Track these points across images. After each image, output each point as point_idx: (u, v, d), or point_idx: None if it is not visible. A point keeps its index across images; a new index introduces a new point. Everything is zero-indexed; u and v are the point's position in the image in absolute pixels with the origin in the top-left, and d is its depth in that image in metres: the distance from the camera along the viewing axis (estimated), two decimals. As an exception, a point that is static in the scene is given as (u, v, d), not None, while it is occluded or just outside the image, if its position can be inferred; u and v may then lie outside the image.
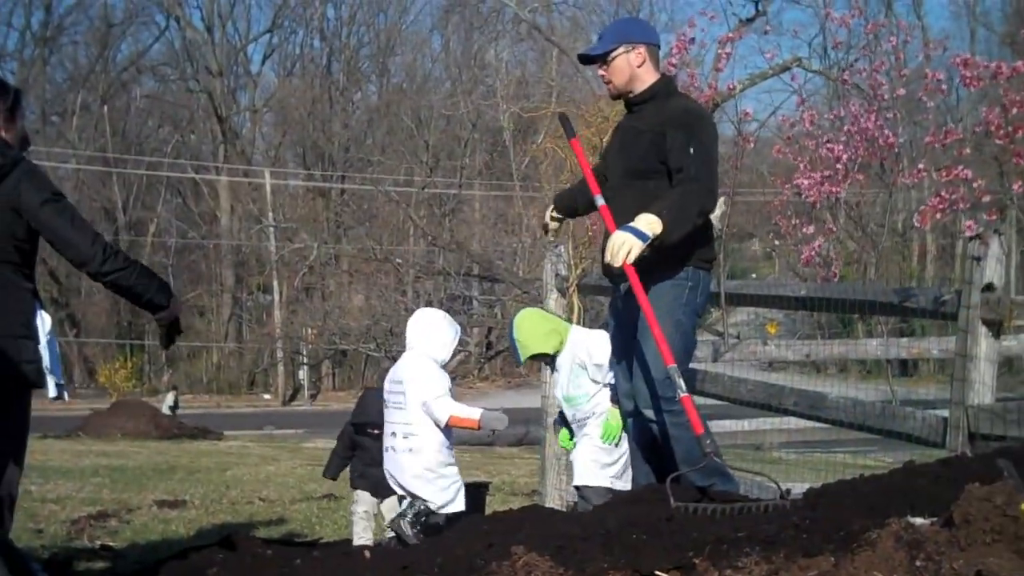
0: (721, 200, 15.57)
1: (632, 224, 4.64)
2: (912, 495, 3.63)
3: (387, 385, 6.49)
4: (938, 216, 5.76)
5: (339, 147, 54.12)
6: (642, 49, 5.13)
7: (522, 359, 6.43)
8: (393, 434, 6.25)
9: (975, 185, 5.75)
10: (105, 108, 54.63)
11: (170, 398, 32.85)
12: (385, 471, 6.36)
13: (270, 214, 50.70)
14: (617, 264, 4.60)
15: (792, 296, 6.56)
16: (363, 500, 7.15)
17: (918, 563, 2.99)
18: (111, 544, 7.47)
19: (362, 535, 7.12)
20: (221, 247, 54.50)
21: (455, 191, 46.57)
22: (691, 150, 4.84)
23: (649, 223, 4.62)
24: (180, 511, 9.54)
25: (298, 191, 56.02)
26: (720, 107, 16.20)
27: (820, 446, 13.83)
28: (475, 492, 7.16)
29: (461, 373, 42.83)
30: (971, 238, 4.98)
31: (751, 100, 46.36)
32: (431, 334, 6.41)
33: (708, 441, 4.58)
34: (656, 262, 4.80)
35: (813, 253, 7.88)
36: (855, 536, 3.16)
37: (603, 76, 5.21)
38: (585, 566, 3.31)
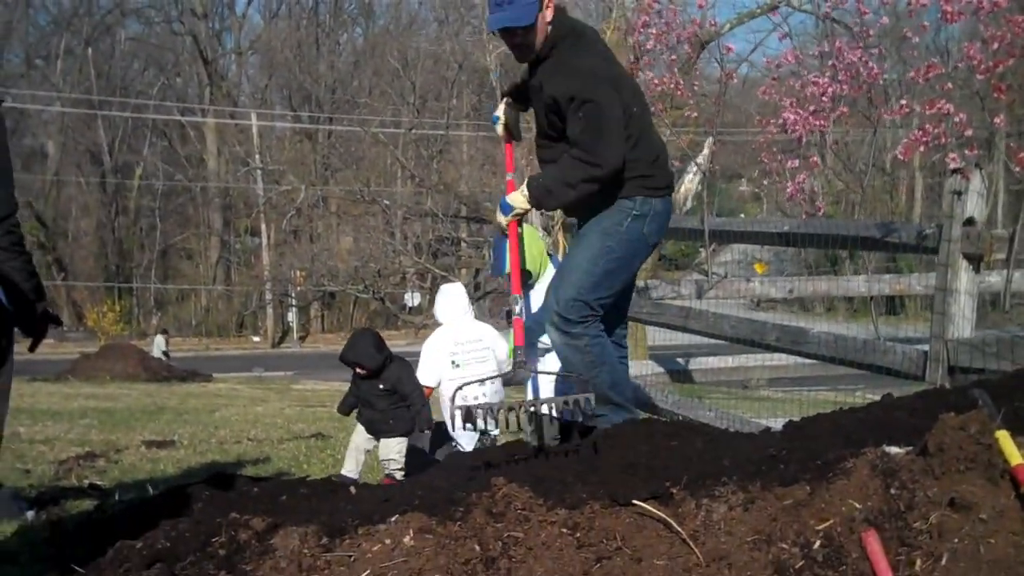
0: (708, 141, 15.63)
1: (506, 196, 5.07)
2: (889, 426, 3.66)
3: (455, 347, 7.31)
4: (921, 149, 5.75)
5: (326, 89, 53.82)
6: None
7: (505, 270, 6.47)
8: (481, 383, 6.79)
9: (957, 119, 5.74)
10: (89, 51, 54.20)
11: (161, 341, 32.90)
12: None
13: (257, 156, 50.50)
14: (503, 232, 5.16)
15: (775, 232, 6.57)
16: (360, 433, 7.27)
17: (892, 491, 3.03)
18: (99, 483, 7.49)
19: (347, 465, 7.25)
20: (208, 190, 54.35)
21: (442, 132, 46.38)
22: (579, 115, 4.75)
23: (513, 198, 5.02)
24: (168, 451, 9.57)
25: (285, 133, 55.78)
26: (705, 46, 16.16)
27: (806, 383, 13.93)
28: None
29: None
30: (953, 171, 4.99)
31: (739, 40, 46.17)
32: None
33: (520, 356, 4.86)
34: (599, 196, 4.90)
35: (798, 188, 7.86)
36: (831, 465, 3.19)
37: (519, 42, 4.91)
38: (564, 496, 3.35)
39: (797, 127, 7.38)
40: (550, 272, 6.47)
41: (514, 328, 4.96)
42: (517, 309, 4.98)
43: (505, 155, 5.48)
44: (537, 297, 6.39)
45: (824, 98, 7.17)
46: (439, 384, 7.32)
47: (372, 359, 7.06)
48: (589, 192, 4.81)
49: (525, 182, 4.97)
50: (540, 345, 6.40)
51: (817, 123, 7.30)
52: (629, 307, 5.59)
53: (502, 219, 5.05)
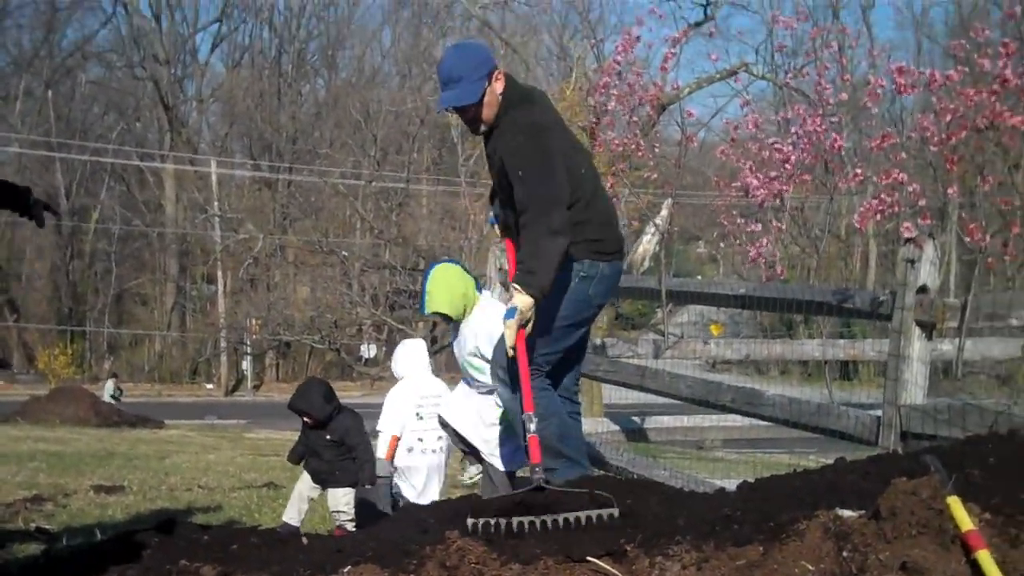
0: (665, 202, 15.74)
1: (509, 305, 4.78)
2: (841, 490, 3.69)
3: (420, 400, 7.29)
4: (877, 218, 5.84)
5: (286, 139, 53.85)
6: (499, 72, 4.97)
7: (426, 311, 6.43)
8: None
9: (911, 189, 5.84)
10: (49, 93, 53.99)
11: (110, 386, 32.55)
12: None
13: (216, 204, 50.31)
14: (511, 352, 4.78)
15: (731, 294, 6.64)
16: (305, 481, 7.26)
17: (845, 554, 3.05)
18: (46, 527, 7.40)
19: (289, 513, 7.24)
20: (165, 236, 54.08)
21: (402, 186, 46.44)
22: (520, 174, 4.77)
23: (514, 301, 4.74)
24: (117, 496, 9.47)
25: (244, 182, 55.67)
26: (666, 109, 16.34)
27: (761, 445, 13.98)
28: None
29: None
30: (906, 240, 5.07)
31: (697, 104, 46.78)
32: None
33: (537, 471, 4.38)
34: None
35: (759, 252, 7.93)
36: (784, 527, 3.21)
37: (471, 117, 4.96)
38: (518, 551, 3.34)
39: (759, 192, 7.46)
40: (481, 310, 6.34)
41: (530, 447, 4.54)
42: (531, 428, 4.57)
43: (506, 252, 5.30)
44: (472, 334, 6.32)
45: (787, 165, 7.26)
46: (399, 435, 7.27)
47: (320, 409, 7.06)
48: (561, 247, 4.73)
49: (512, 284, 4.83)
50: (474, 381, 6.32)
51: (779, 188, 7.39)
52: (582, 364, 5.59)
53: (510, 326, 4.76)
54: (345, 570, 3.42)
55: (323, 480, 7.23)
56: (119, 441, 17.83)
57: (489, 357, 5.82)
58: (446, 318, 6.36)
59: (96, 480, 10.69)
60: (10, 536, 6.88)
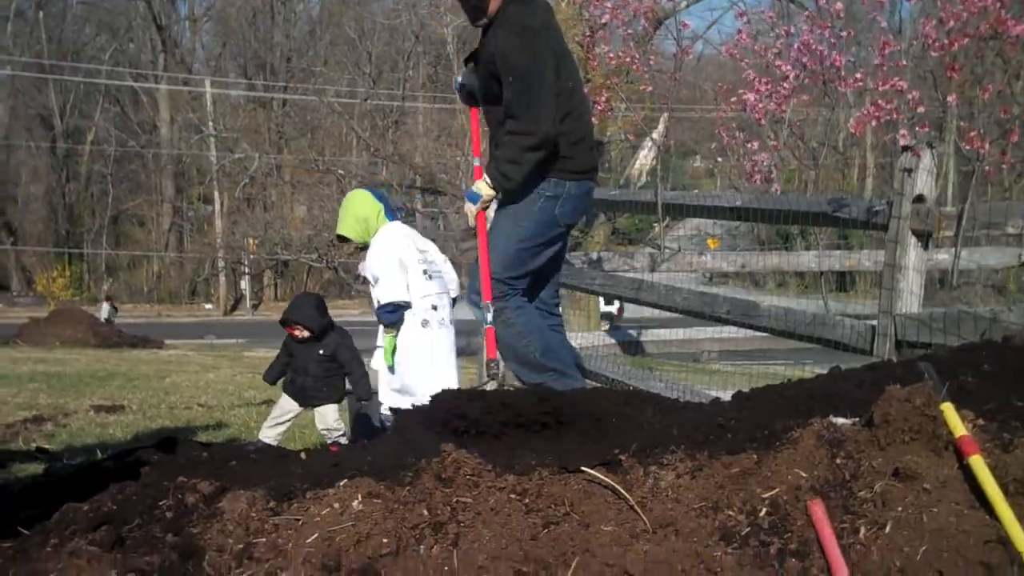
0: (662, 116, 15.63)
1: (470, 188, 5.06)
2: (836, 398, 3.69)
3: (420, 255, 6.59)
4: (873, 124, 5.77)
5: (281, 58, 53.38)
6: None
7: (337, 231, 6.53)
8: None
9: (910, 97, 5.76)
10: (41, 14, 53.36)
11: (105, 309, 32.58)
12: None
13: (211, 124, 50.02)
14: (471, 225, 5.08)
15: (727, 206, 6.60)
16: (287, 402, 7.22)
17: (838, 460, 3.06)
18: (47, 446, 7.44)
19: (267, 433, 7.21)
20: (161, 156, 53.83)
21: (398, 103, 46.13)
22: (509, 79, 4.77)
23: (478, 186, 5.00)
24: (117, 415, 9.51)
25: (239, 101, 55.30)
26: (662, 23, 16.16)
27: (756, 357, 14.02)
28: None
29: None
30: (903, 148, 5.02)
31: (695, 17, 46.14)
32: None
33: (493, 367, 4.80)
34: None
35: (755, 168, 7.86)
36: (777, 435, 3.22)
37: (473, 4, 4.96)
38: (513, 463, 3.35)
39: (756, 109, 7.36)
40: (376, 239, 6.38)
41: (486, 339, 4.94)
42: (488, 318, 4.94)
43: (471, 130, 5.41)
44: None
45: (786, 83, 7.16)
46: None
47: (315, 321, 7.02)
48: (537, 160, 4.83)
49: (484, 170, 4.99)
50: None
51: (776, 108, 7.30)
52: (561, 277, 5.63)
53: (470, 209, 5.05)
54: (341, 483, 3.43)
55: (309, 398, 7.16)
56: (118, 361, 17.89)
57: (371, 282, 6.10)
58: (348, 241, 6.44)
59: (96, 400, 10.74)
60: (11, 456, 6.93)
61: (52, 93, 52.86)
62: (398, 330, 6.31)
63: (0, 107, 53.78)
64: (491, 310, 4.91)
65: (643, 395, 4.41)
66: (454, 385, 6.15)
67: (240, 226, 47.17)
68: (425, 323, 6.31)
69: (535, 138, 4.73)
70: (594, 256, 8.47)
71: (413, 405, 5.97)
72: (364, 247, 6.44)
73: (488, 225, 5.07)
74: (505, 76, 4.76)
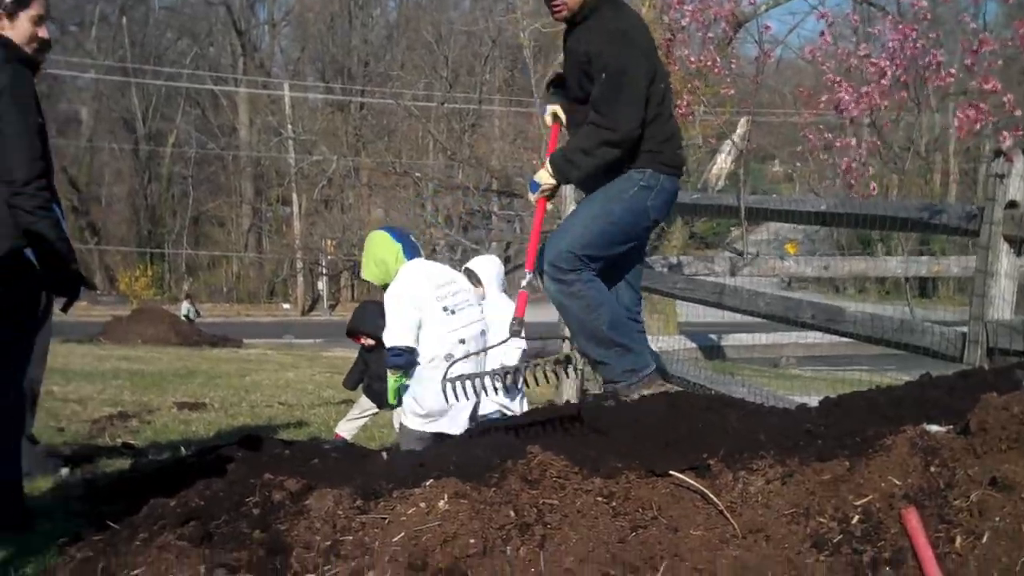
0: (742, 120, 15.48)
1: (535, 176, 5.07)
2: (927, 405, 3.63)
3: (437, 290, 6.46)
4: (977, 127, 5.65)
5: (358, 62, 53.74)
6: None
7: (363, 274, 6.55)
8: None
9: (1005, 99, 5.64)
10: (124, 19, 54.27)
11: (185, 307, 33.02)
12: None
13: (289, 127, 50.52)
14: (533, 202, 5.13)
15: (813, 211, 6.50)
16: (363, 403, 7.26)
17: (932, 469, 3.00)
18: (132, 442, 7.54)
19: (344, 427, 7.24)
20: (240, 159, 54.44)
21: (475, 107, 46.24)
22: (602, 77, 4.76)
23: (539, 175, 5.02)
24: (200, 413, 9.61)
25: (317, 104, 55.75)
26: (743, 26, 16.04)
27: (837, 363, 13.84)
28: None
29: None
30: (996, 155, 4.92)
31: (774, 20, 45.67)
32: None
33: (516, 325, 4.96)
34: (614, 164, 4.91)
35: (850, 165, 7.75)
36: (870, 442, 3.17)
37: (555, 3, 4.94)
38: (600, 466, 3.33)
39: (851, 107, 7.26)
40: (397, 278, 6.38)
41: (518, 299, 5.02)
42: (524, 283, 5.02)
43: (550, 136, 5.39)
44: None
45: (883, 80, 7.05)
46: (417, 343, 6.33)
47: (379, 330, 7.01)
48: (608, 158, 4.82)
49: (548, 158, 4.99)
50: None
51: (876, 101, 7.19)
52: (662, 285, 5.58)
53: (532, 197, 5.07)
54: (427, 483, 3.44)
55: (386, 402, 7.20)
56: (200, 360, 18.10)
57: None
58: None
59: (179, 397, 10.86)
60: (97, 451, 7.03)
61: (135, 97, 53.73)
62: (407, 373, 6.26)
63: (85, 110, 54.77)
64: (527, 276, 5.01)
65: (726, 400, 4.38)
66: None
67: (318, 227, 47.60)
68: (449, 356, 6.19)
69: (616, 134, 4.73)
70: (673, 260, 8.41)
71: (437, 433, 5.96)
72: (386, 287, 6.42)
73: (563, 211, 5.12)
74: (598, 74, 4.76)
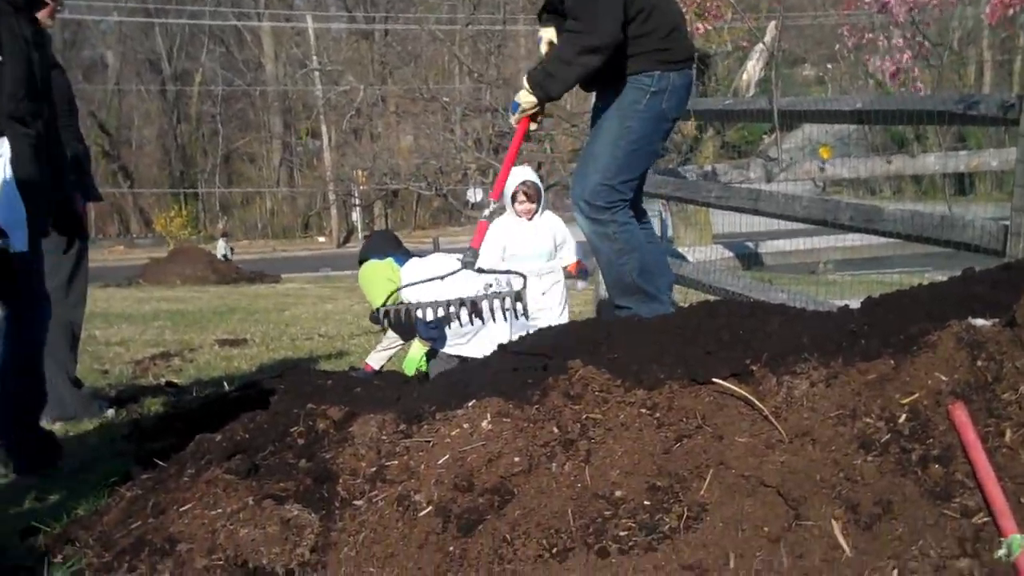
0: (772, 24, 15.23)
1: (515, 96, 4.87)
2: (971, 300, 3.56)
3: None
4: (1010, 12, 5.51)
5: (380, -13, 53.28)
6: None
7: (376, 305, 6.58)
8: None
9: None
10: (143, -43, 54.03)
11: (221, 246, 33.16)
12: None
13: (314, 58, 50.28)
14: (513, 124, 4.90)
15: (848, 109, 6.39)
16: (391, 334, 7.27)
17: (979, 363, 2.95)
18: (175, 381, 7.60)
19: (374, 358, 7.28)
20: (267, 94, 54.35)
21: (499, 27, 45.80)
22: None
23: (519, 95, 4.83)
24: (241, 349, 9.68)
25: (341, 34, 55.44)
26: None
27: (874, 265, 13.74)
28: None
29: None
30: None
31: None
32: None
33: (469, 255, 4.74)
34: (613, 73, 4.81)
35: (899, 67, 7.59)
36: (914, 339, 3.12)
37: None
38: (642, 377, 3.31)
39: (899, 6, 7.09)
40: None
41: (477, 228, 4.89)
42: (486, 212, 4.93)
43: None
44: None
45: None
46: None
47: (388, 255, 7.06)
48: (590, 66, 4.71)
49: (526, 74, 4.84)
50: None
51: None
52: (674, 191, 5.51)
53: (512, 119, 4.91)
54: (470, 404, 3.43)
55: (408, 332, 7.21)
56: (238, 297, 18.21)
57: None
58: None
59: (219, 335, 10.93)
60: (142, 391, 7.09)
61: (159, 37, 53.62)
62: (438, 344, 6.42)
63: (110, 54, 54.75)
64: (491, 206, 4.93)
65: (767, 306, 4.33)
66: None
67: (349, 158, 47.53)
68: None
69: (595, 38, 4.60)
70: (709, 168, 8.33)
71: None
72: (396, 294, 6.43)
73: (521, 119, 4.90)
74: None
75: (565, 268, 7.42)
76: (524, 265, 6.49)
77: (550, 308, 7.22)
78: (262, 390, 5.03)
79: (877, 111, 6.09)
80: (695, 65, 5.15)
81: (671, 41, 4.87)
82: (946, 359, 2.99)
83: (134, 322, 12.57)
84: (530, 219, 7.22)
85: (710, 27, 13.97)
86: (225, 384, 6.90)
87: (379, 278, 6.65)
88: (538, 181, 7.39)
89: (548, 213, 7.49)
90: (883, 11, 7.62)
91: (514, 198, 7.22)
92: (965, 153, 8.28)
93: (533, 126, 4.94)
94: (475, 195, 41.98)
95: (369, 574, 3.02)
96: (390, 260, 6.68)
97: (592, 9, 4.62)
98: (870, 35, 8.29)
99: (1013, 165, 5.07)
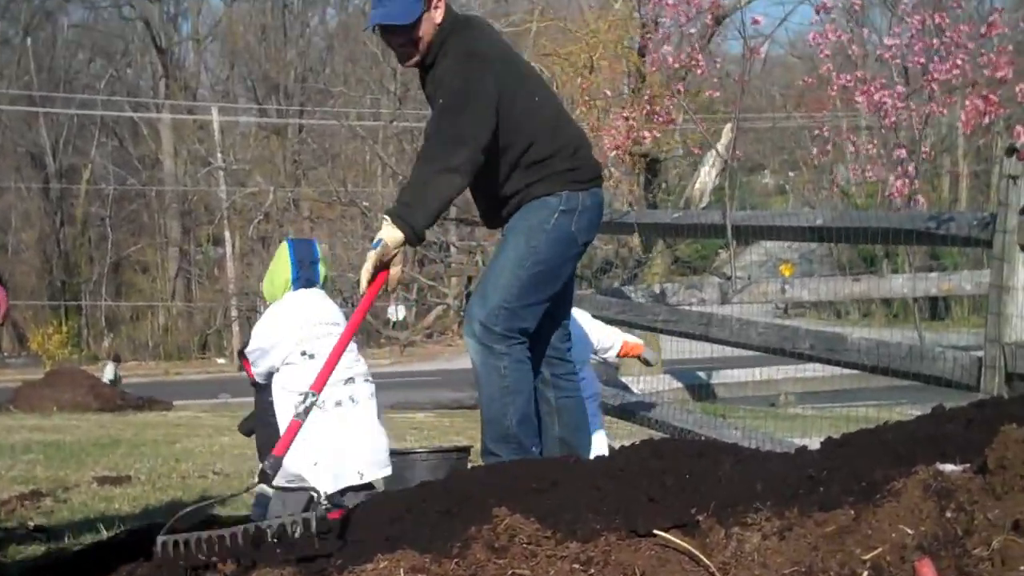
0: (727, 127, 15.57)
1: (376, 237, 4.64)
2: (942, 441, 3.62)
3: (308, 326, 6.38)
4: (985, 120, 5.67)
5: (295, 78, 53.79)
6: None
7: None
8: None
9: (1017, 89, 5.67)
10: (29, 40, 54.15)
11: (110, 370, 32.77)
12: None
13: (219, 155, 50.44)
14: (361, 290, 4.64)
15: (807, 226, 6.52)
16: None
17: (948, 514, 2.99)
18: (45, 524, 7.47)
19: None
20: (165, 194, 54.31)
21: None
22: (439, 102, 4.77)
23: (381, 233, 4.61)
24: (124, 487, 9.54)
25: (250, 129, 55.81)
26: (726, 18, 16.22)
27: (841, 398, 13.87)
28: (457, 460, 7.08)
29: (439, 328, 42.89)
30: (1008, 151, 4.95)
31: (759, 12, 46.16)
32: None
33: (269, 465, 4.26)
34: (517, 196, 4.93)
35: (904, 187, 7.66)
36: (877, 486, 3.16)
37: (401, 43, 4.91)
38: (575, 527, 3.31)
39: (893, 111, 7.23)
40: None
41: (287, 431, 4.42)
42: (300, 411, 4.35)
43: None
44: None
45: (933, 84, 7.02)
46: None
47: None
48: (453, 187, 4.75)
49: (383, 215, 4.74)
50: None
51: (933, 109, 7.14)
52: (618, 313, 5.53)
53: (365, 271, 4.60)
54: (380, 558, 3.40)
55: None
56: (123, 427, 17.97)
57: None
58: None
59: (99, 471, 10.78)
60: (8, 535, 6.94)
61: (43, 128, 53.52)
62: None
63: (-14, 146, 54.57)
64: (310, 399, 4.36)
65: (718, 445, 4.37)
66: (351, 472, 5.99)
67: (254, 269, 47.42)
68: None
69: (447, 158, 4.65)
70: (657, 289, 8.43)
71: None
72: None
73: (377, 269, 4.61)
74: (434, 102, 4.82)
75: (616, 357, 7.02)
76: None
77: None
78: (145, 538, 4.95)
79: (840, 229, 6.23)
80: (601, 183, 5.21)
81: (576, 160, 4.97)
82: (912, 509, 3.03)
83: (1, 455, 12.35)
84: None
85: (659, 133, 14.25)
86: (103, 529, 6.79)
87: (272, 272, 6.55)
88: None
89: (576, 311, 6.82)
90: (872, 111, 7.77)
91: None
92: (935, 275, 8.48)
93: (394, 270, 4.65)
94: (397, 312, 42.04)
95: None
96: (289, 277, 6.52)
97: (445, 132, 4.71)
98: (837, 139, 8.49)
99: (987, 290, 5.20)
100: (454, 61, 4.81)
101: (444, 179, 4.65)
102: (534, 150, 4.87)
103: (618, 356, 7.05)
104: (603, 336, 7.03)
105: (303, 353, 6.15)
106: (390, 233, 4.58)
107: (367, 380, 6.29)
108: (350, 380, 6.19)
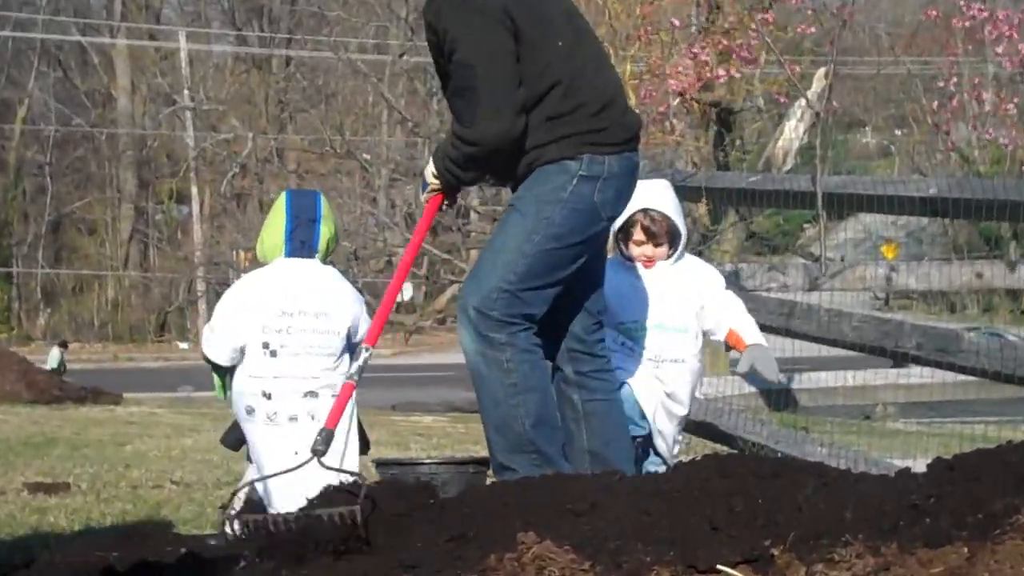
0: (820, 72, 15.53)
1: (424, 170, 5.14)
2: (1078, 466, 3.64)
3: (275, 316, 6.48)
4: None
5: (282, 1, 53.84)
6: None
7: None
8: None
9: None
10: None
11: (55, 356, 32.97)
12: None
13: (186, 93, 50.57)
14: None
15: (917, 196, 6.50)
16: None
17: (1086, 554, 3.01)
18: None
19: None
20: (118, 139, 54.43)
21: (445, 60, 46.39)
22: (451, 64, 4.85)
23: (426, 170, 5.09)
24: (61, 497, 9.60)
25: (225, 61, 55.89)
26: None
27: (951, 412, 13.87)
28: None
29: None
30: None
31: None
32: None
33: (320, 439, 4.50)
34: (525, 162, 4.92)
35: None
36: (998, 519, 3.17)
37: None
38: (620, 560, 3.32)
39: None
40: None
41: (339, 396, 4.92)
42: (352, 370, 4.92)
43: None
44: None
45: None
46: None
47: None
48: (490, 167, 4.98)
49: (432, 152, 5.03)
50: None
51: None
52: (602, 302, 5.41)
53: (422, 197, 5.16)
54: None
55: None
56: (62, 423, 18.07)
57: None
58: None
59: (31, 476, 10.85)
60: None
61: (-30, 54, 53.82)
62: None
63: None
64: (365, 352, 4.80)
65: (799, 465, 4.38)
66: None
67: (227, 233, 47.62)
68: (250, 409, 6.22)
69: (480, 149, 4.76)
70: (728, 268, 8.42)
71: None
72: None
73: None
74: (447, 59, 4.89)
75: (712, 343, 6.48)
76: (637, 343, 6.05)
77: (660, 423, 6.24)
78: (84, 559, 5.00)
79: (958, 200, 6.19)
80: (637, 144, 5.19)
81: (604, 118, 4.92)
82: (1039, 547, 3.04)
83: (-89, 455, 12.47)
84: (651, 268, 6.21)
85: (737, 73, 14.23)
86: (35, 549, 6.84)
87: (264, 229, 6.61)
88: (670, 207, 6.19)
89: (691, 260, 6.55)
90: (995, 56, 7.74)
91: (627, 235, 6.19)
92: (1078, 262, 8.44)
93: (444, 206, 5.15)
94: (403, 291, 42.09)
95: None
96: (284, 240, 6.55)
97: (471, 108, 4.78)
98: (959, 91, 8.48)
99: None
100: (454, 4, 4.87)
101: (474, 165, 4.91)
102: (554, 102, 4.85)
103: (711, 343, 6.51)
104: (725, 313, 6.29)
105: (264, 345, 6.15)
106: (431, 179, 5.03)
107: (335, 396, 6.12)
108: (311, 394, 6.22)
